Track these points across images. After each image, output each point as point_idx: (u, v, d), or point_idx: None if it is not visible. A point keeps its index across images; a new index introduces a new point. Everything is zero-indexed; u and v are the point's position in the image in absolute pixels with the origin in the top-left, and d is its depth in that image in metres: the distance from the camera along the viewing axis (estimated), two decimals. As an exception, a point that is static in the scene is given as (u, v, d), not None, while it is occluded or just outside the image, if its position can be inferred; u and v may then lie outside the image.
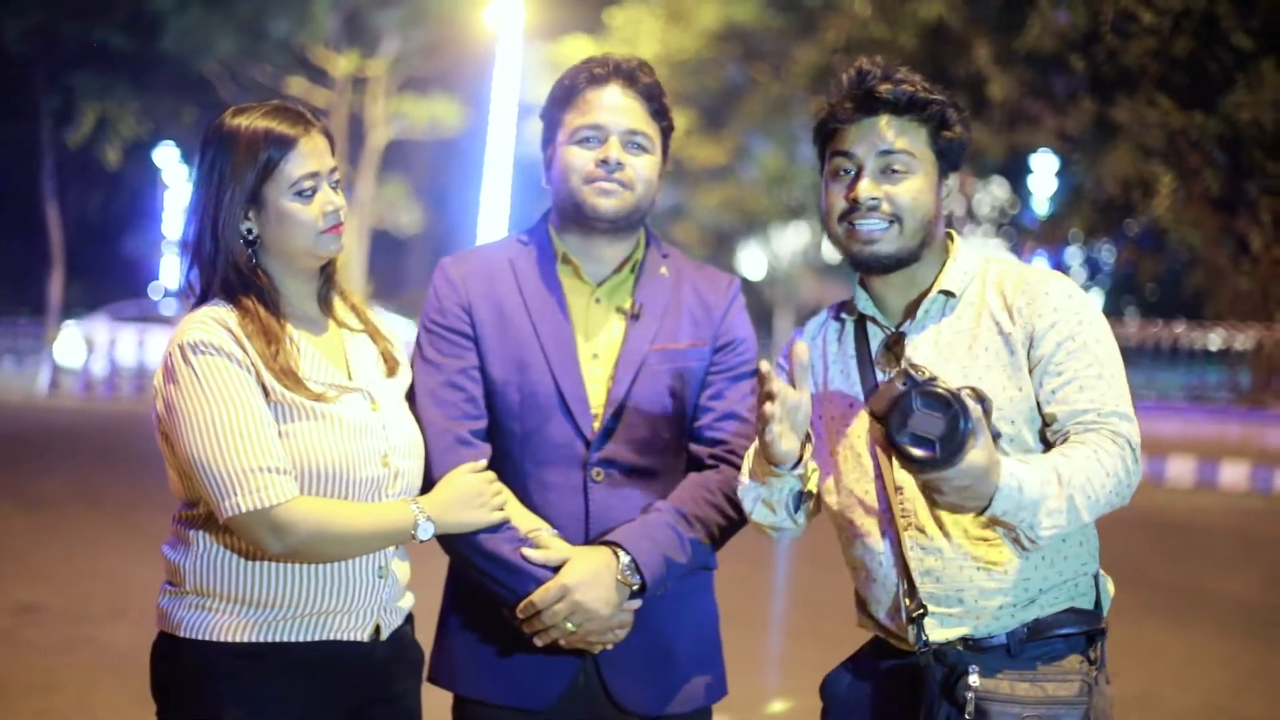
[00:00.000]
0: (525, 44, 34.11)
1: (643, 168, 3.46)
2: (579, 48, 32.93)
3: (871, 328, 3.24)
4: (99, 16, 36.41)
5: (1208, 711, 7.52)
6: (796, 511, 3.21)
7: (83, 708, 6.94)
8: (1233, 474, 19.11)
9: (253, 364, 3.07)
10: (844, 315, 3.31)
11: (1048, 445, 3.05)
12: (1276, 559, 13.34)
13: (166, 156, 44.32)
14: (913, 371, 2.68)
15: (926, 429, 2.60)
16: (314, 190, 3.17)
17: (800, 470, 3.10)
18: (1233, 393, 27.27)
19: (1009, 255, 36.78)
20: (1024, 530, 2.80)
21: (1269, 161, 26.63)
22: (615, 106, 3.45)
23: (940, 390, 2.61)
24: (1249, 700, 7.89)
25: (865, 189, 3.09)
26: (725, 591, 3.64)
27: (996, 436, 2.79)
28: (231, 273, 3.17)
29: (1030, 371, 3.05)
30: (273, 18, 36.55)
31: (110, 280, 49.92)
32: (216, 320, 3.10)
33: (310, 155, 3.17)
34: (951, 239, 3.26)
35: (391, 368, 3.37)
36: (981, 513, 2.77)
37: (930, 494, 2.74)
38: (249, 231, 3.17)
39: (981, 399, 2.67)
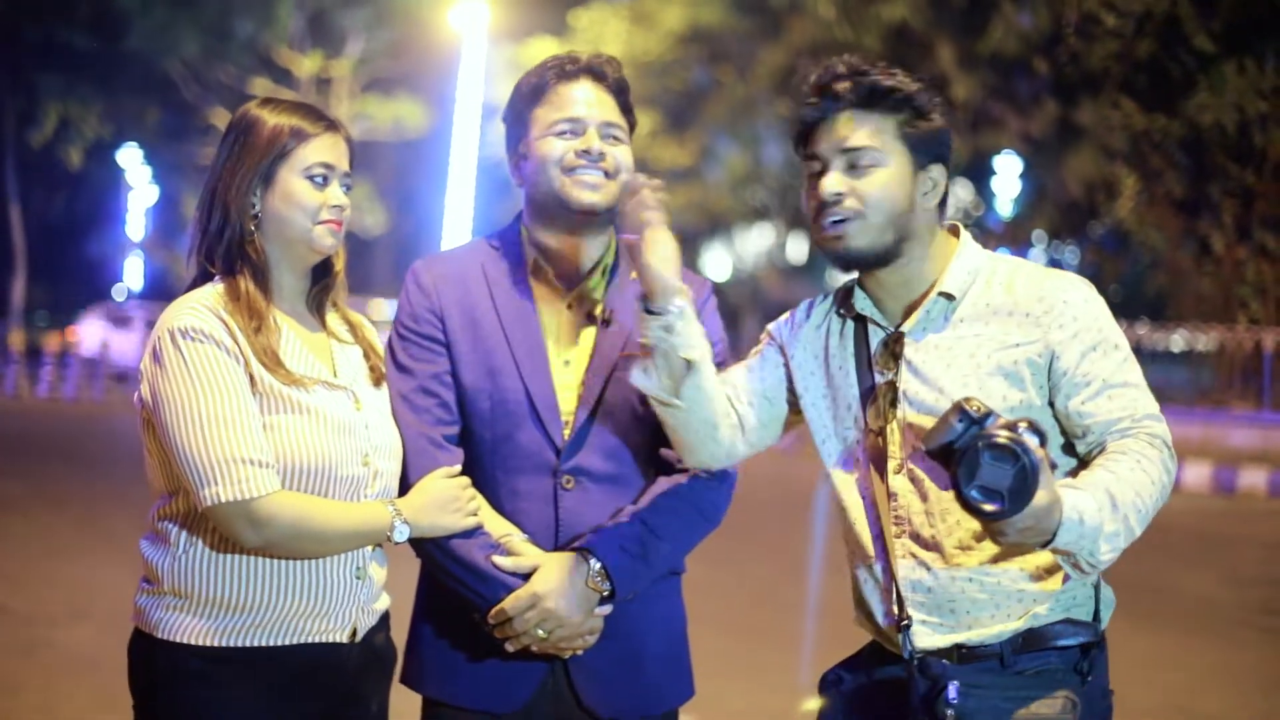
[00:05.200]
0: (490, 45, 34.09)
1: (623, 156, 3.42)
2: (544, 49, 32.94)
3: (871, 328, 3.17)
4: (62, 16, 36.21)
5: (1169, 710, 7.57)
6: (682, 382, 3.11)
7: (44, 710, 6.89)
8: (1195, 474, 19.22)
9: (241, 353, 3.06)
10: (843, 312, 3.24)
11: (1072, 452, 3.03)
12: (1238, 558, 13.44)
13: (130, 157, 44.15)
14: (968, 408, 2.67)
15: (995, 482, 2.59)
16: (325, 180, 3.19)
17: (668, 320, 3.04)
18: (1195, 393, 27.44)
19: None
20: (1084, 557, 2.77)
21: (1231, 164, 26.84)
22: (590, 100, 3.41)
23: (1006, 442, 2.58)
24: (1209, 699, 7.94)
25: (827, 185, 3.04)
26: (688, 592, 3.64)
27: (1054, 467, 2.74)
28: (233, 245, 3.18)
29: (1054, 384, 2.99)
30: (237, 18, 36.50)
31: (73, 282, 49.70)
32: (208, 306, 3.09)
33: (329, 148, 3.21)
34: (957, 234, 3.20)
35: (378, 379, 3.37)
36: (1044, 546, 2.74)
37: (993, 535, 2.71)
38: (253, 207, 3.18)
39: (1038, 432, 2.65)
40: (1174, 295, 29.73)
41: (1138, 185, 28.45)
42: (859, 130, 3.05)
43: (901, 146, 3.07)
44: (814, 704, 3.30)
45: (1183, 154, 27.91)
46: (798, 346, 3.29)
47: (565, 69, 3.44)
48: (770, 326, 3.40)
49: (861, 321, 3.18)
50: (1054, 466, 2.76)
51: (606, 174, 3.38)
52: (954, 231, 3.20)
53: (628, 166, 3.43)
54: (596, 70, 3.44)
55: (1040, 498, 2.59)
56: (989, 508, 2.58)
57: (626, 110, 3.50)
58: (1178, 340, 27.12)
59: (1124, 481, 2.81)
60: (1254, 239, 27.29)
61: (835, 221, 3.04)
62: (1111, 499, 2.77)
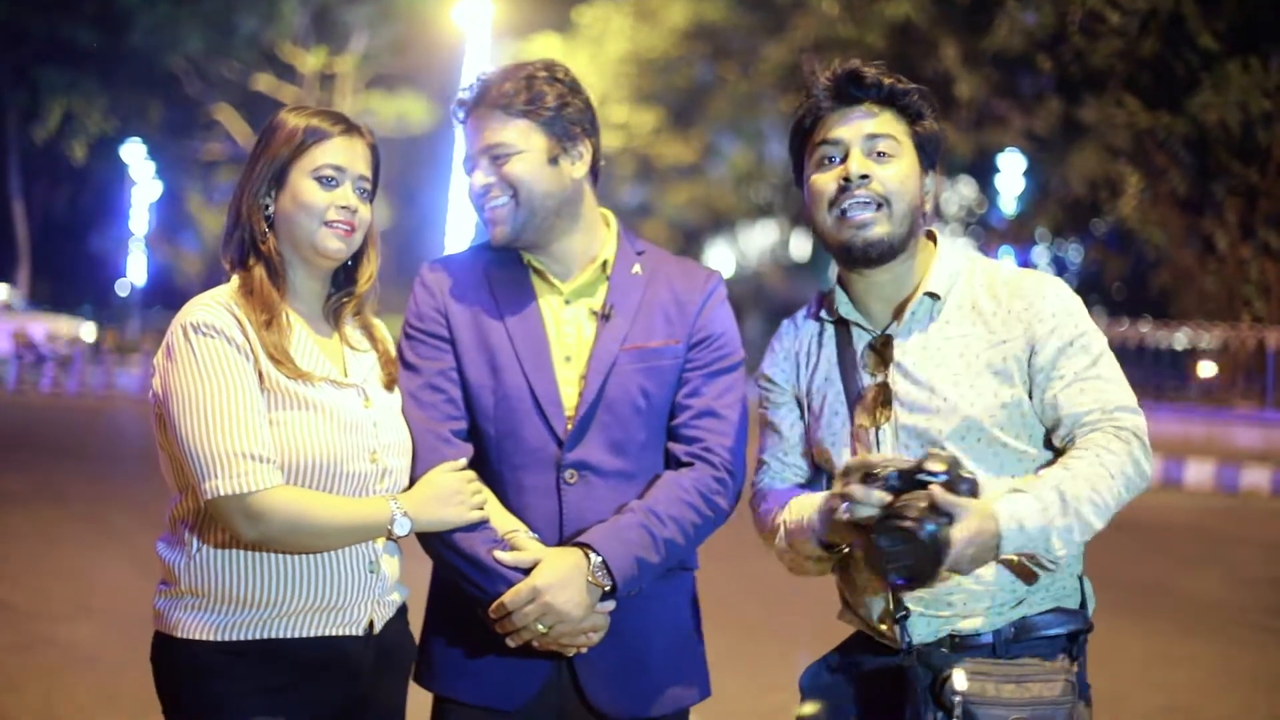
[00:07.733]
0: (494, 42, 34.07)
1: (514, 175, 3.42)
2: (547, 46, 32.98)
3: (855, 331, 3.24)
4: (66, 11, 36.23)
5: (1171, 712, 7.53)
6: None
7: (44, 706, 6.89)
8: (1198, 473, 19.21)
9: (251, 349, 3.10)
10: (824, 316, 3.31)
11: (1054, 449, 3.11)
12: (1240, 558, 13.41)
13: (133, 153, 44.15)
14: (879, 469, 2.87)
15: (897, 562, 2.78)
16: (335, 183, 3.23)
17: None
18: (1198, 391, 27.45)
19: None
20: (1042, 555, 2.92)
21: (1235, 162, 26.86)
22: (469, 135, 3.49)
23: (899, 524, 2.76)
24: (1212, 700, 7.92)
25: (857, 164, 3.10)
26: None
27: (973, 485, 2.88)
28: (246, 244, 3.23)
29: (1031, 377, 3.09)
30: (241, 14, 36.48)
31: (77, 277, 49.72)
32: (221, 304, 3.14)
33: (342, 150, 3.26)
34: (934, 239, 3.28)
35: (390, 383, 3.39)
36: (996, 558, 2.89)
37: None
38: (266, 207, 3.23)
39: (948, 463, 2.84)
40: (1177, 294, 29.74)
41: (1141, 183, 28.46)
42: (880, 120, 3.15)
43: (912, 145, 3.18)
44: (808, 708, 3.30)
45: (1186, 152, 27.92)
46: (790, 371, 3.38)
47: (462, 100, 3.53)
48: (765, 371, 3.45)
49: (844, 325, 3.25)
50: (973, 484, 2.88)
51: (501, 203, 3.45)
52: (931, 238, 3.29)
53: (523, 181, 3.42)
54: (493, 100, 3.44)
55: (960, 532, 2.78)
56: (900, 584, 2.82)
57: (529, 113, 3.44)
58: (1181, 338, 27.09)
59: (1079, 477, 2.94)
60: (1258, 237, 27.31)
61: (862, 204, 3.10)
62: (1061, 496, 2.90)
